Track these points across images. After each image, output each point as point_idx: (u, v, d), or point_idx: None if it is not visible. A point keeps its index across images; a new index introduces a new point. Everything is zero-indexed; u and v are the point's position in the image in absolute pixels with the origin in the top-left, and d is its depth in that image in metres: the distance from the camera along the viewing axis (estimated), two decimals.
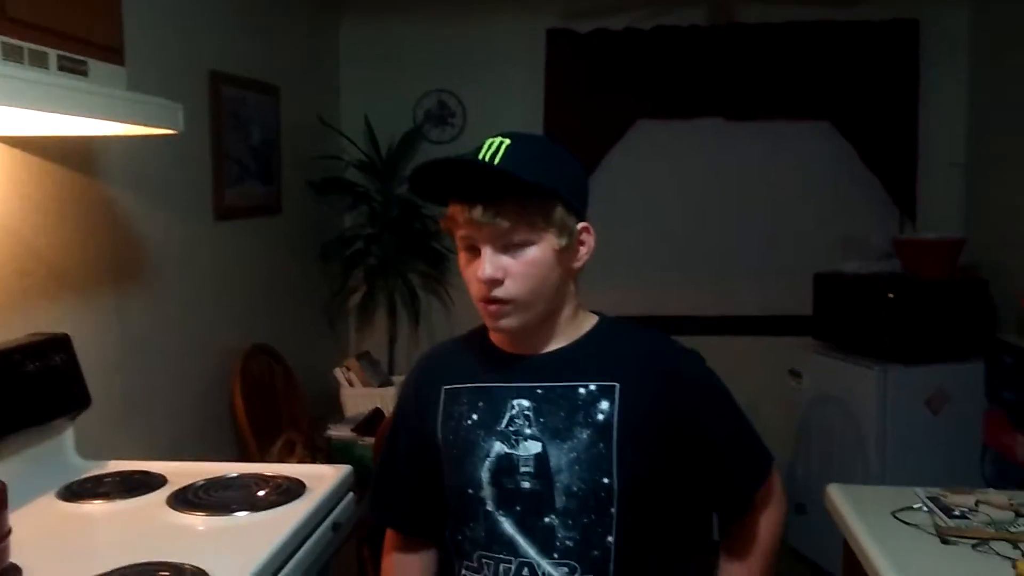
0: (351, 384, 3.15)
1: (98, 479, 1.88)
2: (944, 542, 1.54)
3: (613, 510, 1.27)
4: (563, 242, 1.29)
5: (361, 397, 3.09)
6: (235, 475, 1.89)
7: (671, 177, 4.16)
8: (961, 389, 3.23)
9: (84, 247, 2.22)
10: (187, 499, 1.74)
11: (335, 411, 3.18)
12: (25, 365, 1.78)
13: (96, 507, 1.75)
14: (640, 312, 4.04)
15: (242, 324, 3.14)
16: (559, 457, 1.28)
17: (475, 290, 1.30)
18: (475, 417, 1.33)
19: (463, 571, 1.36)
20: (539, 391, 1.31)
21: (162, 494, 1.78)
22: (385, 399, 2.99)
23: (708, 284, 4.15)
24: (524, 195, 1.25)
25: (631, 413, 1.29)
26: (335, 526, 1.78)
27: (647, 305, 4.08)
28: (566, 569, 1.27)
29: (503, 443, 1.30)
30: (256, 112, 3.27)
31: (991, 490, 1.72)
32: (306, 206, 3.78)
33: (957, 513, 1.62)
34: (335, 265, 4.01)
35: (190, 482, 1.83)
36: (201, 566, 1.42)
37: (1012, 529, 1.55)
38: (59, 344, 1.92)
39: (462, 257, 1.32)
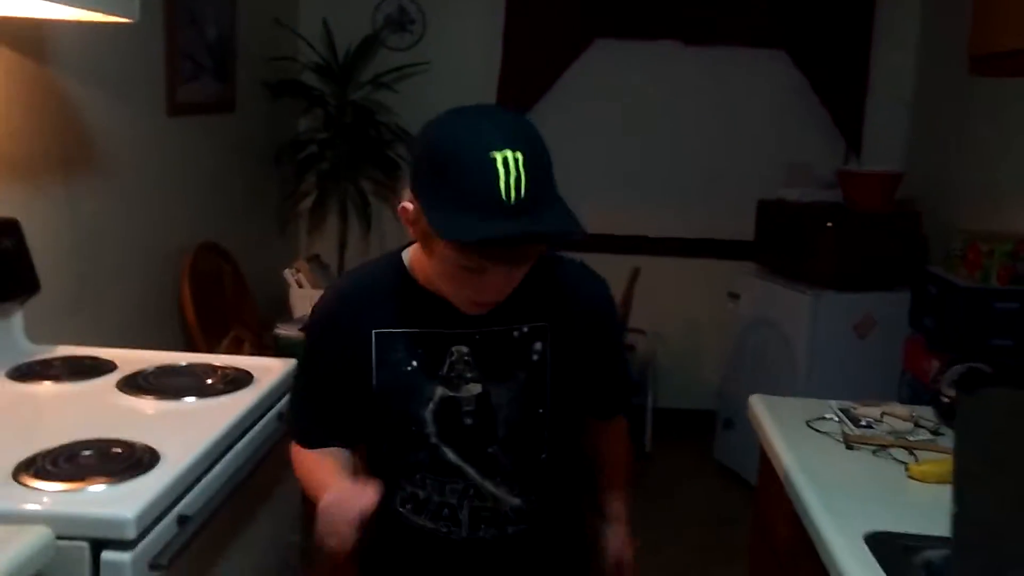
0: (300, 285, 3.19)
1: (47, 362, 1.92)
2: (848, 448, 1.66)
3: (546, 433, 1.39)
4: None
5: (309, 299, 3.12)
6: (185, 364, 1.95)
7: (625, 98, 4.19)
8: (887, 316, 3.39)
9: (33, 134, 2.21)
10: (137, 383, 1.80)
11: (283, 312, 3.23)
12: None
13: (46, 388, 1.79)
14: (591, 231, 4.12)
15: (192, 222, 3.15)
16: (499, 395, 1.35)
17: (461, 295, 1.26)
18: (415, 363, 1.35)
19: (404, 483, 1.40)
20: (477, 336, 1.34)
21: (112, 378, 1.83)
22: None
23: (656, 205, 4.23)
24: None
25: (561, 349, 1.36)
26: (281, 416, 1.85)
27: (594, 224, 4.14)
28: (507, 488, 1.37)
29: (445, 387, 1.34)
30: (211, 8, 3.21)
31: (897, 404, 1.85)
32: (260, 107, 3.76)
33: (864, 423, 1.75)
34: (288, 168, 4.00)
35: (140, 368, 1.88)
36: (151, 444, 1.48)
37: (910, 438, 1.68)
38: (8, 228, 1.94)
39: (449, 268, 1.22)
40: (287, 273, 3.23)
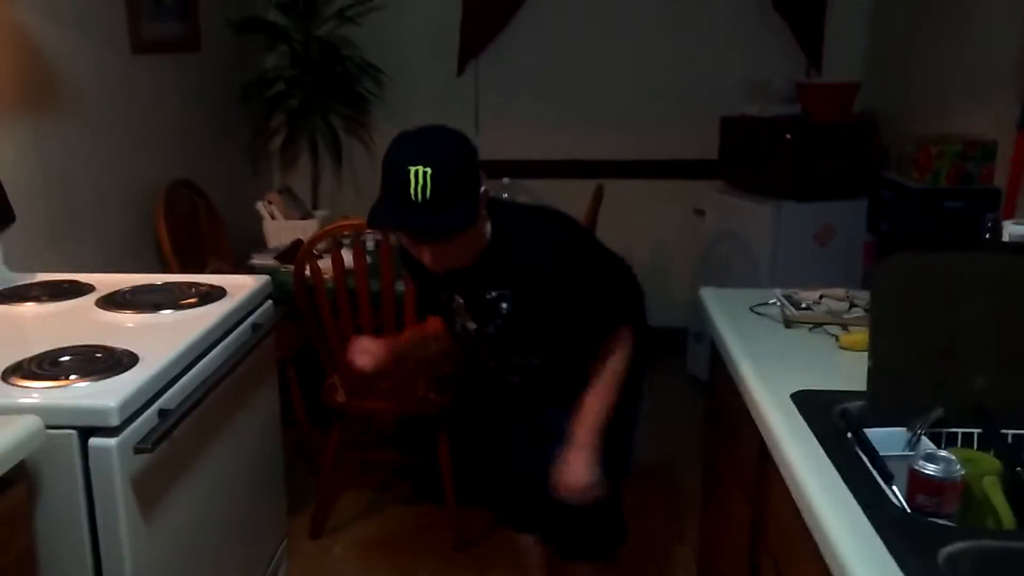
0: (273, 217, 3.26)
1: (27, 287, 2.01)
2: (787, 326, 1.78)
3: (536, 350, 1.94)
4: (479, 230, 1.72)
5: (283, 229, 3.21)
6: (161, 283, 2.04)
7: (586, 19, 4.22)
8: (846, 224, 3.50)
9: None
10: (115, 301, 1.89)
11: (258, 242, 3.30)
12: None
13: (27, 308, 1.88)
14: (557, 157, 4.21)
15: (163, 160, 3.21)
16: (489, 329, 1.87)
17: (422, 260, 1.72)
18: (444, 298, 1.91)
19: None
20: (465, 293, 1.86)
21: (91, 298, 1.92)
22: (306, 231, 3.11)
23: (622, 129, 4.29)
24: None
25: (524, 308, 1.81)
26: (255, 327, 1.95)
27: (560, 149, 4.23)
28: (519, 368, 1.99)
29: (458, 320, 1.92)
30: None
31: (836, 288, 1.96)
32: (225, 45, 3.78)
33: (803, 305, 1.86)
34: (256, 106, 4.04)
35: (118, 288, 1.97)
36: (130, 349, 1.58)
37: (844, 316, 1.79)
38: None
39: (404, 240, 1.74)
40: (260, 205, 3.30)
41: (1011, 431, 1.32)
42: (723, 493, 1.87)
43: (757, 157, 3.66)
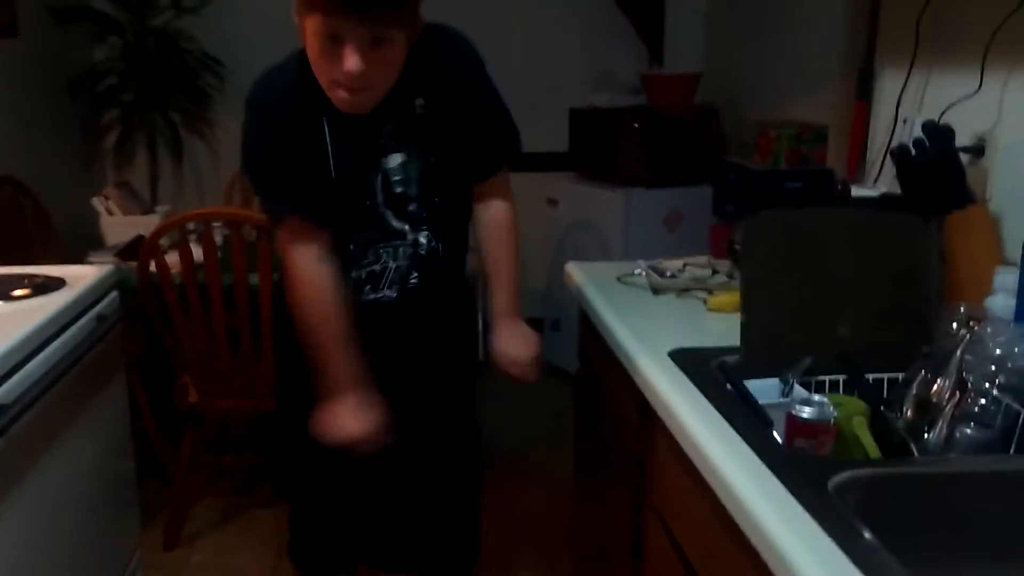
0: (110, 213, 3.05)
1: None
2: (655, 293, 1.81)
3: (439, 182, 1.64)
4: (412, 35, 1.50)
5: (122, 226, 3.00)
6: None
7: (434, 12, 4.18)
8: (693, 208, 3.61)
9: None
10: None
11: (94, 244, 3.08)
12: None
13: None
14: None
15: None
16: (411, 158, 1.61)
17: (330, 75, 1.44)
18: (364, 141, 1.58)
19: (358, 271, 1.63)
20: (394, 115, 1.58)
21: None
22: (148, 226, 2.91)
23: None
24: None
25: (439, 105, 1.60)
26: (100, 318, 1.80)
27: None
28: (427, 233, 1.65)
29: (383, 157, 1.60)
30: None
31: (698, 256, 2.01)
32: (48, 34, 3.52)
33: (668, 274, 1.90)
34: (86, 100, 3.78)
35: None
36: None
37: (709, 281, 1.84)
38: None
39: (316, 42, 1.42)
40: (96, 201, 3.07)
41: (873, 375, 1.38)
42: (601, 466, 1.88)
43: (606, 147, 3.73)
